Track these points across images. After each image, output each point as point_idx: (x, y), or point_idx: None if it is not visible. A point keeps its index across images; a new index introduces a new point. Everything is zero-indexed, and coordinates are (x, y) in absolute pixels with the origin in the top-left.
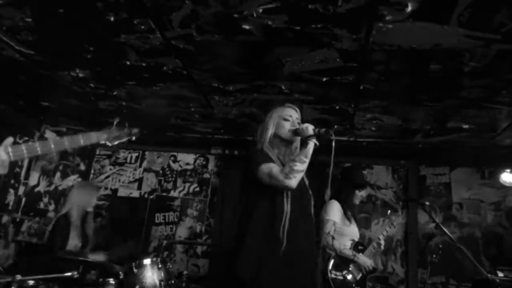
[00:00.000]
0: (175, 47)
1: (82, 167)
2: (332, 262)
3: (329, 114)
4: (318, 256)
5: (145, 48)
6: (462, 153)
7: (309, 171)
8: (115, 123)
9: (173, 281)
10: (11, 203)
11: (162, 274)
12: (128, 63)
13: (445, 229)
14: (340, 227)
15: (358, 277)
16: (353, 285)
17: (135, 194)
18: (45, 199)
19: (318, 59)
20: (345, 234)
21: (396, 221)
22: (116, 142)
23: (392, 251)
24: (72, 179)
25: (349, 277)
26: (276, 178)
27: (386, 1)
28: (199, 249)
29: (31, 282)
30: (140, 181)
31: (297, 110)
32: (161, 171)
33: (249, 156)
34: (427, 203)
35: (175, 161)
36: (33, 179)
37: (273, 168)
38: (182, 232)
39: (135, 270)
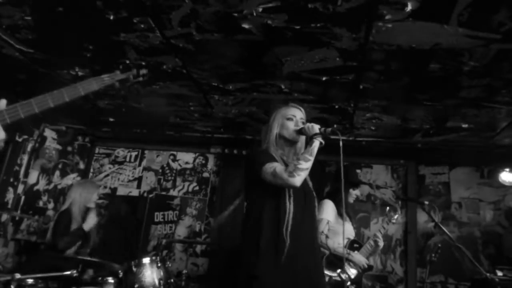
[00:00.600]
0: (174, 46)
1: (82, 165)
2: (325, 261)
3: (329, 114)
4: (322, 255)
5: (145, 47)
6: (461, 152)
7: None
8: (120, 68)
9: (172, 280)
10: (10, 202)
11: (161, 273)
12: (127, 61)
13: (444, 229)
14: (333, 226)
15: (353, 275)
16: (348, 284)
17: (135, 193)
18: (44, 198)
19: (317, 58)
20: (339, 232)
21: (394, 218)
22: (122, 83)
23: (391, 250)
24: (72, 178)
25: (343, 275)
26: (280, 177)
27: (386, 1)
28: (198, 248)
29: (30, 281)
30: (139, 180)
31: (301, 109)
32: (160, 170)
33: (252, 157)
34: (426, 202)
35: (174, 160)
36: (32, 177)
37: (277, 167)
38: (181, 231)
39: (134, 269)
